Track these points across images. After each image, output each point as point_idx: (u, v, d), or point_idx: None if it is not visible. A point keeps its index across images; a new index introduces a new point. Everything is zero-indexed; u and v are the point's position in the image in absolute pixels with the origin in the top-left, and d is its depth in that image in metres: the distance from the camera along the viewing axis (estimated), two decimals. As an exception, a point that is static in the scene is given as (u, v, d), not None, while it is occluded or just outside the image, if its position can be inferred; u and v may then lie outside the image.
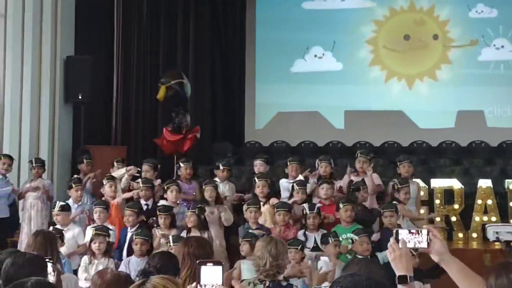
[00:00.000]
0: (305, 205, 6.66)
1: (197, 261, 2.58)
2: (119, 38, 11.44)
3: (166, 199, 7.24)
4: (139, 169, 7.73)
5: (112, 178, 7.49)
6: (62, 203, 6.89)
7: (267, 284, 4.46)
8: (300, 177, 7.44)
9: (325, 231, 6.40)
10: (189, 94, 9.79)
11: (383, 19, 12.07)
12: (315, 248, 6.33)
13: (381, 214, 6.67)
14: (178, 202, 7.23)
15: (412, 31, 11.98)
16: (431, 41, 11.94)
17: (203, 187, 7.17)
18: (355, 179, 7.31)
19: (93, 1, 10.84)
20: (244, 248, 5.92)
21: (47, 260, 3.42)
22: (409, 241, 2.66)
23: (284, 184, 7.53)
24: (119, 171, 7.78)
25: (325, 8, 12.18)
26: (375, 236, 6.47)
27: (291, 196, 7.13)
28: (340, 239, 6.16)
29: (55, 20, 9.45)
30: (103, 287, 3.18)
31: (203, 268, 2.53)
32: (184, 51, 11.68)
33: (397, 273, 2.56)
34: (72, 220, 6.93)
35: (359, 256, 5.75)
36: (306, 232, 6.50)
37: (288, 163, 7.65)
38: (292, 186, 7.17)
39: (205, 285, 2.51)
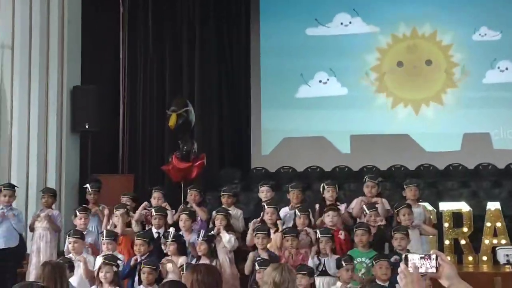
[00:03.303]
0: (318, 230, 6.64)
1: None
2: (125, 67, 11.56)
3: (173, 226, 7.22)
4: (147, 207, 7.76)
5: (122, 207, 7.47)
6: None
7: None
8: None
9: (338, 256, 6.36)
10: (194, 122, 9.84)
11: (386, 47, 12.14)
12: (324, 272, 6.32)
13: (391, 236, 6.60)
14: (192, 229, 7.19)
15: (415, 58, 12.02)
16: (434, 66, 11.98)
17: (215, 215, 7.18)
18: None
19: (99, 31, 10.95)
20: (259, 276, 5.88)
21: None
22: (420, 266, 2.63)
23: (283, 213, 7.42)
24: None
25: (328, 34, 12.25)
26: (394, 259, 6.39)
27: (294, 223, 7.07)
28: (355, 262, 6.14)
29: (61, 51, 9.54)
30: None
31: None
32: (190, 79, 11.76)
33: (409, 299, 2.54)
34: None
35: (378, 281, 5.74)
36: (319, 256, 6.47)
37: (290, 189, 7.62)
38: (295, 212, 7.13)
39: None
